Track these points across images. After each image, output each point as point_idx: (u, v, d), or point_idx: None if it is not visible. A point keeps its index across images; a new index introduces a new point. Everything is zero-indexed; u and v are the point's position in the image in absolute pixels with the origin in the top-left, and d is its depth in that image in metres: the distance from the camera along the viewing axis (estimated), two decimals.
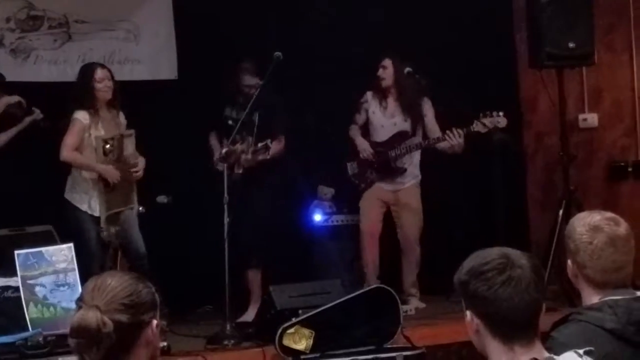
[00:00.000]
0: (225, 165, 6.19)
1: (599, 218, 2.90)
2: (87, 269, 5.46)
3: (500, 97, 6.89)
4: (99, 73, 6.14)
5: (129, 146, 6.16)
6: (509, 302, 2.29)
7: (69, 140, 5.99)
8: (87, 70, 6.22)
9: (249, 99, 6.37)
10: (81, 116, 6.01)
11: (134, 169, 6.15)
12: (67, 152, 5.99)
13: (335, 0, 7.30)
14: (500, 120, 6.48)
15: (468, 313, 2.37)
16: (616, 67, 7.51)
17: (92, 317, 2.28)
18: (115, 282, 2.36)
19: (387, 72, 6.81)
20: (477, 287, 2.32)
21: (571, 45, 6.67)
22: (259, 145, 6.35)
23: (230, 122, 6.64)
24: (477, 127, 6.50)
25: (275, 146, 6.55)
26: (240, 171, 6.50)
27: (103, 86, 6.09)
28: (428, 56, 6.97)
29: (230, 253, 6.07)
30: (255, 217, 6.66)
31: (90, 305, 2.31)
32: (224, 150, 6.28)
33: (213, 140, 6.87)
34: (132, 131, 6.21)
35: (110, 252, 6.12)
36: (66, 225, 6.14)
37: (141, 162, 6.22)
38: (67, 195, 6.12)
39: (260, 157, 6.43)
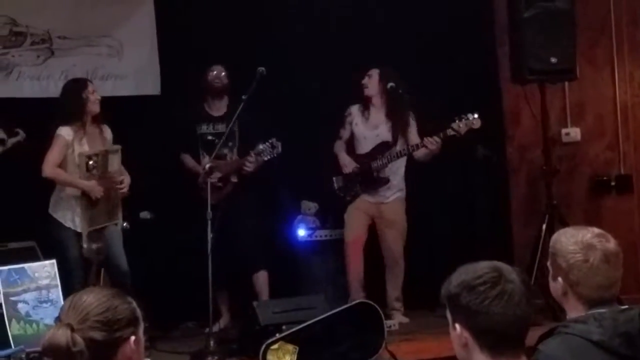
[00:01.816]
0: (209, 180, 6.19)
1: (590, 236, 2.89)
2: (70, 285, 5.44)
3: (484, 111, 6.89)
4: (90, 86, 6.19)
5: (114, 162, 6.14)
6: (502, 316, 2.29)
7: (52, 156, 5.98)
8: (78, 84, 6.23)
9: (220, 111, 6.56)
10: (65, 132, 6.00)
11: (120, 186, 6.13)
12: (49, 169, 5.98)
13: (320, 15, 7.30)
14: (474, 121, 6.48)
15: (457, 326, 2.37)
16: (598, 82, 7.54)
17: (61, 335, 2.28)
18: (91, 299, 2.35)
19: (372, 80, 6.82)
20: (469, 300, 2.32)
21: (553, 60, 6.71)
22: (261, 146, 6.37)
23: (209, 137, 6.65)
24: (452, 131, 6.51)
25: (269, 156, 6.58)
26: (236, 180, 6.54)
27: (94, 99, 6.12)
28: (411, 71, 6.98)
29: (231, 261, 6.11)
30: (252, 222, 6.72)
31: (64, 324, 2.31)
32: (207, 166, 6.28)
33: (188, 161, 6.84)
34: (118, 147, 6.21)
35: (93, 268, 6.09)
36: (49, 241, 6.11)
37: (127, 178, 6.21)
38: (51, 211, 6.10)
39: (267, 158, 6.44)
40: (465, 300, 2.32)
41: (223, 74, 6.81)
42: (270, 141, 6.42)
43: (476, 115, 6.47)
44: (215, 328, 6.48)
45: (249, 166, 6.57)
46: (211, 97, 6.84)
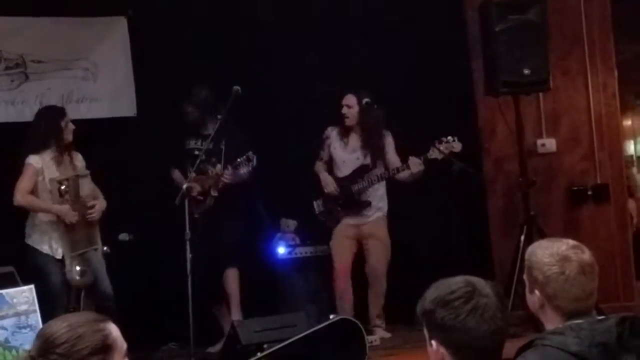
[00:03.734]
0: (187, 201, 6.21)
1: (565, 247, 2.89)
2: (51, 311, 5.40)
3: (459, 125, 6.93)
4: (67, 115, 6.17)
5: (85, 186, 6.13)
6: (476, 331, 2.29)
7: (22, 184, 5.97)
8: (55, 112, 6.20)
9: (209, 129, 6.55)
10: (34, 161, 5.98)
11: (90, 210, 6.10)
12: (20, 196, 5.97)
13: (299, 35, 7.32)
14: (454, 145, 6.53)
15: (433, 342, 2.37)
16: (572, 92, 7.58)
17: None
18: (56, 328, 2.35)
19: (351, 111, 6.83)
20: (444, 316, 2.32)
21: (526, 71, 6.74)
22: (239, 159, 6.41)
23: (196, 152, 6.68)
24: (433, 154, 6.55)
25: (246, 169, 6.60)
26: (216, 194, 6.57)
27: (71, 128, 6.11)
28: (385, 87, 7.01)
29: (210, 274, 6.16)
30: (229, 231, 6.75)
31: (27, 354, 2.33)
32: (184, 186, 6.30)
33: (177, 175, 6.88)
34: (87, 172, 6.19)
35: (73, 292, 6.06)
36: (28, 268, 6.04)
37: (101, 203, 6.18)
38: (27, 239, 6.08)
39: (243, 171, 6.48)
40: (440, 316, 2.33)
41: (208, 93, 6.83)
42: (246, 154, 6.45)
43: (456, 139, 6.51)
44: (218, 347, 6.48)
45: (227, 178, 6.61)
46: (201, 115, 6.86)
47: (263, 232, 7.27)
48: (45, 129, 6.11)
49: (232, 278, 6.81)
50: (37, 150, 6.00)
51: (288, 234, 7.36)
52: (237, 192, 6.74)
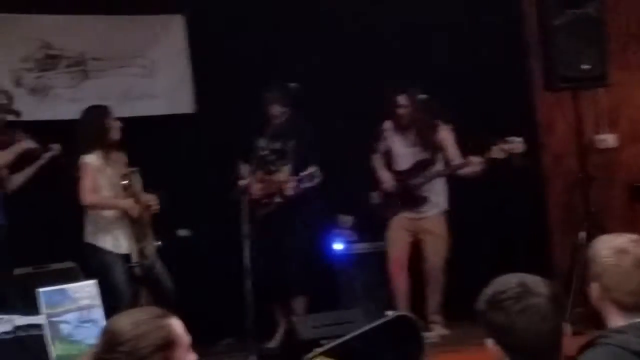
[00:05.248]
0: (245, 198, 6.23)
1: (623, 240, 2.89)
2: (115, 306, 5.44)
3: (518, 121, 6.88)
4: (112, 113, 6.18)
5: (137, 182, 6.18)
6: (526, 331, 2.27)
7: (86, 184, 5.98)
8: (100, 111, 6.22)
9: (278, 129, 6.53)
10: (90, 160, 6.00)
11: (151, 203, 6.14)
12: (89, 196, 5.98)
13: (353, 31, 7.32)
14: (518, 146, 6.47)
15: (489, 341, 2.36)
16: (632, 86, 7.50)
17: None
18: (120, 326, 2.39)
19: (405, 110, 6.79)
20: (494, 316, 2.31)
21: (585, 66, 6.68)
22: (302, 174, 6.41)
23: (264, 152, 6.66)
24: (495, 153, 6.50)
25: (317, 172, 6.62)
26: (281, 200, 6.56)
27: (117, 126, 6.13)
28: (444, 83, 6.98)
29: (271, 280, 6.22)
30: (293, 244, 6.73)
31: (91, 352, 2.38)
32: (242, 183, 6.32)
33: (244, 171, 6.86)
34: (136, 168, 6.21)
35: (136, 287, 6.11)
36: (90, 268, 6.01)
37: (154, 198, 6.21)
38: (89, 239, 6.08)
39: (305, 186, 6.47)
40: (491, 316, 2.31)
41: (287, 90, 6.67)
42: (311, 172, 6.43)
43: (519, 139, 6.46)
44: (273, 343, 6.50)
45: (290, 191, 6.59)
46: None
47: (320, 228, 7.29)
48: (93, 129, 6.10)
49: (299, 304, 6.79)
50: (88, 150, 6.02)
51: (345, 230, 7.36)
52: (303, 197, 6.71)
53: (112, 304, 5.42)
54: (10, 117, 6.41)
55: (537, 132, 7.51)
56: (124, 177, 6.06)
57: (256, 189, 6.63)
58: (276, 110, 6.72)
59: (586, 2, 6.76)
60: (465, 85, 7.15)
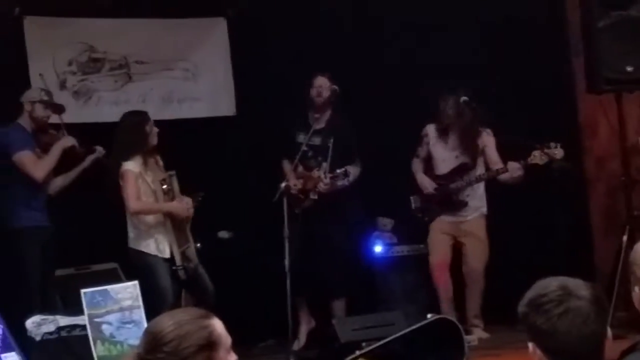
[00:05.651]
0: (285, 199, 6.25)
1: None
2: (159, 308, 5.46)
3: (560, 123, 6.83)
4: (150, 119, 6.19)
5: (176, 186, 6.20)
6: (568, 335, 2.25)
7: (131, 191, 5.98)
8: (139, 117, 6.21)
9: (320, 124, 6.62)
10: (131, 166, 6.00)
11: (189, 206, 6.16)
12: (135, 203, 5.99)
13: (394, 34, 7.32)
14: (557, 152, 6.43)
15: (530, 345, 2.35)
16: None
17: None
18: (163, 326, 2.39)
19: (449, 109, 6.78)
20: (536, 319, 2.29)
21: (629, 68, 6.60)
22: (337, 171, 6.42)
23: (304, 148, 6.68)
24: (534, 159, 6.46)
25: (354, 171, 6.60)
26: (315, 197, 6.57)
27: (155, 132, 6.15)
28: (486, 85, 6.96)
29: (310, 282, 6.11)
30: (333, 245, 6.73)
31: (134, 352, 2.37)
32: (283, 185, 6.34)
33: (286, 167, 6.88)
34: (173, 172, 6.22)
35: (178, 289, 6.13)
36: (134, 272, 5.99)
37: (188, 200, 6.22)
38: (133, 245, 6.08)
39: (340, 184, 6.49)
40: (533, 319, 2.29)
41: (327, 85, 6.76)
42: (344, 169, 6.44)
43: (559, 145, 6.42)
44: (295, 346, 6.52)
45: (324, 188, 6.60)
46: (313, 109, 6.85)
47: (360, 231, 7.29)
48: (132, 135, 6.10)
49: (338, 307, 6.79)
50: (127, 157, 6.05)
51: (385, 233, 7.37)
52: (338, 195, 6.72)
53: (155, 306, 5.45)
54: (54, 116, 6.42)
55: (580, 135, 7.45)
56: (164, 181, 6.09)
57: (294, 184, 6.65)
58: (324, 83, 6.73)
59: (630, 3, 6.69)
60: (506, 88, 7.12)
